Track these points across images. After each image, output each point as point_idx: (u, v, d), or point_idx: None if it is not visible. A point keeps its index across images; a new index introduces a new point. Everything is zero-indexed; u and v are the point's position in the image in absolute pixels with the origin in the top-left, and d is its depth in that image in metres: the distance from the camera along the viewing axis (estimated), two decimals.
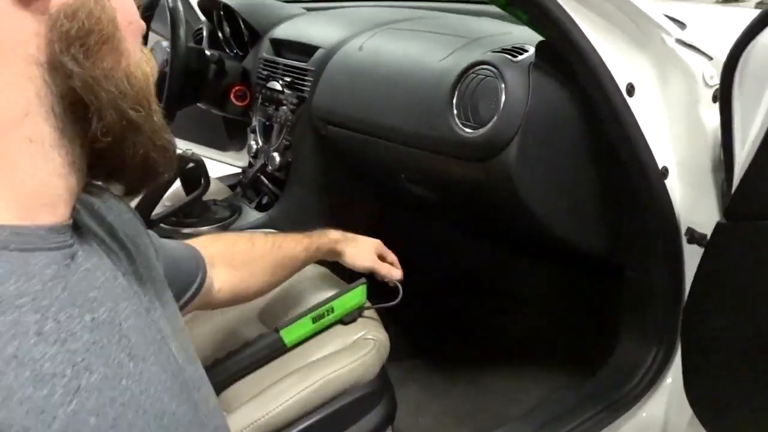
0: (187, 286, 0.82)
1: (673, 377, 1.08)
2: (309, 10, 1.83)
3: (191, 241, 0.89)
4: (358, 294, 1.04)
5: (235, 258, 0.94)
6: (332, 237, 1.06)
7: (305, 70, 1.45)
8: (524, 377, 1.44)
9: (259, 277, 0.96)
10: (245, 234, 0.98)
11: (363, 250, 1.07)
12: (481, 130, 0.98)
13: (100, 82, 0.41)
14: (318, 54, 1.43)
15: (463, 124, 1.02)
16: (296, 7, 1.82)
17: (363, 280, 1.05)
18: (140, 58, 0.46)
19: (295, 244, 1.01)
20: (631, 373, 1.09)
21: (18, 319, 0.36)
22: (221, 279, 0.90)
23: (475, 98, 1.01)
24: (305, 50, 1.48)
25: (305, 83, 1.44)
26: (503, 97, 0.96)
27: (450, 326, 1.62)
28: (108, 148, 0.44)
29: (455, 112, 1.03)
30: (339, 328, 1.03)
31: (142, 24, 0.48)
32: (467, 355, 1.54)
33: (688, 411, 0.99)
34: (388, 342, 1.02)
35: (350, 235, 1.08)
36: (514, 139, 0.96)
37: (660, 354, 1.07)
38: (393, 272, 1.08)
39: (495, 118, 0.97)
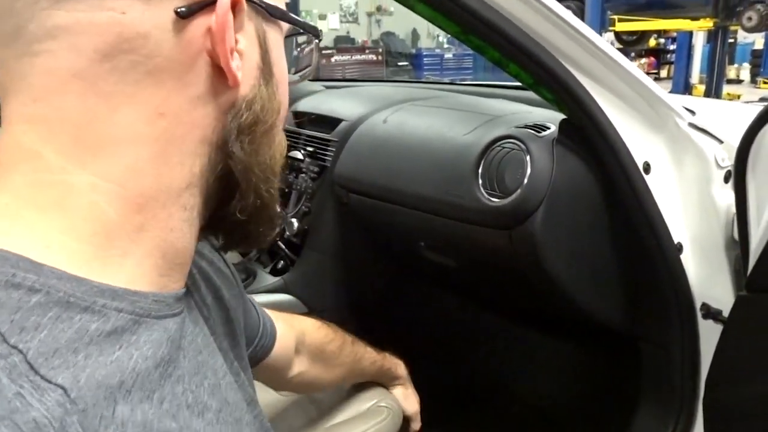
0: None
1: None
2: (328, 88, 1.93)
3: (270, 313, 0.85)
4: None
5: (325, 351, 0.92)
6: (400, 370, 1.05)
7: (328, 141, 1.51)
8: None
9: (331, 377, 0.95)
10: (330, 326, 0.94)
11: (413, 396, 1.08)
12: (508, 199, 1.03)
13: (254, 168, 0.44)
14: (342, 126, 1.50)
15: (488, 194, 1.07)
16: (317, 84, 1.92)
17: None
18: (280, 142, 0.49)
19: (372, 360, 1.00)
20: None
21: (173, 389, 0.39)
22: (304, 365, 0.88)
23: (501, 169, 1.06)
24: (329, 122, 1.55)
25: (327, 153, 1.51)
26: (529, 169, 1.02)
27: (463, 395, 1.60)
28: (238, 223, 0.46)
29: (480, 181, 1.08)
30: (352, 393, 1.02)
31: (287, 104, 0.49)
32: (481, 425, 1.51)
33: None
34: (401, 410, 1.02)
35: (408, 377, 1.08)
36: (539, 208, 1.00)
37: (678, 428, 1.07)
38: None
39: (521, 187, 1.02)
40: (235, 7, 0.40)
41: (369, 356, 1.00)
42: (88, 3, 0.36)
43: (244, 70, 0.42)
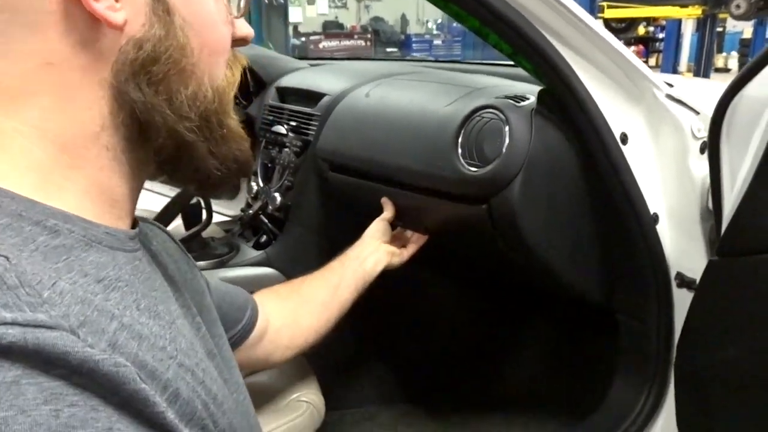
0: (234, 323, 0.82)
1: (665, 420, 1.10)
2: (313, 66, 1.93)
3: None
4: None
5: (281, 290, 0.94)
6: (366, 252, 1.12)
7: (311, 115, 1.51)
8: (517, 422, 1.44)
9: (311, 305, 0.97)
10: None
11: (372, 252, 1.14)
12: (487, 168, 1.04)
13: (157, 108, 0.45)
14: (324, 100, 1.50)
15: (468, 163, 1.07)
16: (302, 63, 1.91)
17: None
18: (220, 76, 0.50)
19: (335, 270, 1.05)
20: (623, 417, 1.11)
21: (123, 297, 0.42)
22: (272, 313, 0.90)
23: (480, 139, 1.07)
24: (312, 97, 1.55)
25: (310, 127, 1.50)
26: (507, 138, 1.02)
27: (442, 372, 1.62)
28: (166, 162, 0.49)
29: (460, 151, 1.09)
30: (274, 385, 1.00)
31: (222, 42, 0.50)
32: (459, 402, 1.53)
33: None
34: (324, 406, 1.00)
35: (356, 251, 1.13)
36: (517, 176, 1.01)
37: (651, 397, 1.09)
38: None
39: (500, 157, 1.02)
40: None
41: (338, 270, 1.05)
42: None
43: (128, 9, 0.43)
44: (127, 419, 0.35)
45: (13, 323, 0.32)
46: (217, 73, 0.50)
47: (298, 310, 0.97)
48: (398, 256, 1.20)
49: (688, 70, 9.29)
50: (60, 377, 0.33)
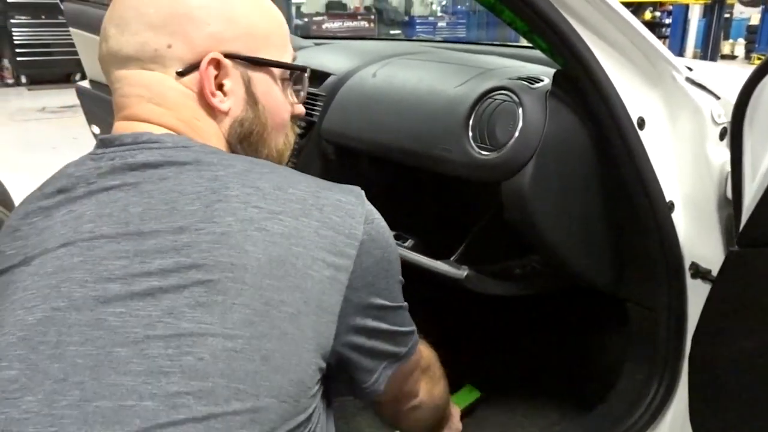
0: None
1: (676, 409, 1.08)
2: (318, 45, 1.88)
3: None
4: None
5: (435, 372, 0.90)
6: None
7: (316, 95, 1.47)
8: (526, 409, 1.42)
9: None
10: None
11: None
12: (498, 152, 1.00)
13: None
14: (330, 80, 1.46)
15: (479, 147, 1.04)
16: (308, 41, 1.87)
17: None
18: (282, 142, 0.75)
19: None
20: (634, 406, 1.09)
21: None
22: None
23: (492, 122, 1.03)
24: (316, 76, 1.51)
25: (315, 108, 1.46)
26: (521, 122, 0.99)
27: (448, 358, 1.59)
28: None
29: (470, 134, 1.05)
30: None
31: (285, 119, 0.75)
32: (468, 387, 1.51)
33: None
34: None
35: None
36: (530, 161, 0.98)
37: (663, 386, 1.07)
38: None
39: (512, 140, 0.99)
40: (218, 66, 0.67)
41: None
42: None
43: (232, 101, 0.69)
44: None
45: None
46: (280, 140, 0.75)
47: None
48: None
49: (694, 57, 9.20)
50: None
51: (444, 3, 12.14)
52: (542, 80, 1.05)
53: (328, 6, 11.16)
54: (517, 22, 0.95)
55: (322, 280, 0.60)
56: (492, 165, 1.01)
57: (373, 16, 10.96)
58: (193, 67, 0.66)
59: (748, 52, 11.46)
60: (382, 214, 0.67)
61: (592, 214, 1.07)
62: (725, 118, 1.01)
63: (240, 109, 0.70)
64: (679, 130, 1.04)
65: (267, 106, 0.72)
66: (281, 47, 0.73)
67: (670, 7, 10.24)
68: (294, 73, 0.76)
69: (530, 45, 1.04)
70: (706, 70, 1.08)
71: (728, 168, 0.99)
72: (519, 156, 0.99)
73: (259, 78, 0.71)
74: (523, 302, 1.61)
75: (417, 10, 12.20)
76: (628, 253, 1.11)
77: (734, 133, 0.92)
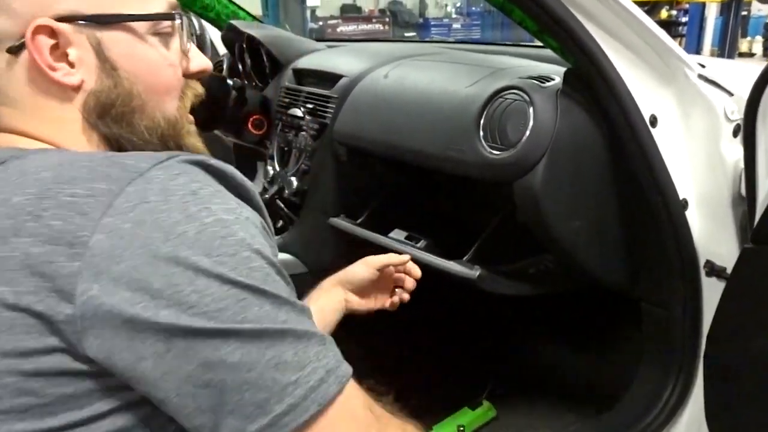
0: None
1: (692, 409, 1.07)
2: (331, 47, 1.89)
3: None
4: None
5: None
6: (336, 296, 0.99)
7: (328, 97, 1.48)
8: (542, 409, 1.42)
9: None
10: None
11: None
12: (510, 151, 1.00)
13: (124, 136, 0.62)
14: (342, 82, 1.46)
15: (490, 146, 1.04)
16: (320, 44, 1.88)
17: None
18: (173, 108, 0.64)
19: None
20: (650, 406, 1.08)
21: None
22: None
23: (503, 121, 1.03)
24: (329, 79, 1.52)
25: (327, 110, 1.47)
26: (532, 121, 0.99)
27: (465, 358, 1.60)
28: None
29: (482, 134, 1.05)
30: None
31: (170, 82, 0.63)
32: (482, 388, 1.51)
33: None
34: None
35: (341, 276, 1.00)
36: (541, 160, 0.98)
37: (678, 386, 1.06)
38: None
39: (524, 139, 0.99)
40: (53, 33, 0.57)
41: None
42: None
43: (83, 72, 0.59)
44: None
45: None
46: (167, 107, 0.64)
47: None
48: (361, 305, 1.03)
49: (712, 55, 9.09)
50: None
51: (458, 4, 12.12)
52: (553, 79, 1.05)
53: (343, 9, 11.19)
54: (527, 21, 0.95)
55: None
56: (503, 164, 1.01)
57: (387, 19, 10.97)
58: (23, 42, 0.56)
59: (766, 49, 11.29)
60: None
61: (604, 213, 1.06)
62: (738, 114, 1.00)
63: (93, 80, 0.59)
64: (692, 128, 1.03)
65: (131, 70, 0.60)
66: None
67: (687, 6, 10.13)
68: (170, 24, 0.62)
69: (542, 44, 1.04)
70: (718, 67, 1.08)
71: (742, 165, 0.98)
72: (530, 155, 0.99)
73: (112, 38, 0.59)
74: (536, 302, 1.61)
75: (431, 12, 12.20)
76: (642, 252, 1.10)
77: (747, 130, 0.92)
